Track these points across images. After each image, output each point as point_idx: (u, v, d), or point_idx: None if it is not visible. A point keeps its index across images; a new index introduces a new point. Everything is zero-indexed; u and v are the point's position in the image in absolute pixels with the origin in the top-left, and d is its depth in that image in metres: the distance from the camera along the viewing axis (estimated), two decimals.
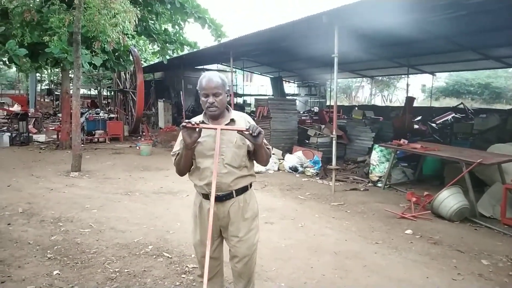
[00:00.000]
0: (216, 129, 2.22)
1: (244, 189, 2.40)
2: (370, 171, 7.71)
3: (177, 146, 2.40)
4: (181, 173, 2.43)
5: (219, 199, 2.31)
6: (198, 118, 2.40)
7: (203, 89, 2.30)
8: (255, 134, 2.16)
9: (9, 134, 11.78)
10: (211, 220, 2.13)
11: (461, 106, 14.93)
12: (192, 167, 2.41)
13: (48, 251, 3.95)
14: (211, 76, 2.32)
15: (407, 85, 16.00)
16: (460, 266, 3.86)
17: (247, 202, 2.42)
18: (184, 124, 2.19)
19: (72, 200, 5.88)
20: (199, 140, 2.26)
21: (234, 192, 2.35)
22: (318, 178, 8.09)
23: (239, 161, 2.35)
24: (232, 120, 2.38)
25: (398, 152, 7.31)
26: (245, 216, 2.41)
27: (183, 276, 3.49)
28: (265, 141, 2.32)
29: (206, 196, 2.34)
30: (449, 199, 5.33)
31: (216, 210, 2.31)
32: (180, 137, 2.35)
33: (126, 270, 3.57)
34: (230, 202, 2.36)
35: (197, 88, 2.39)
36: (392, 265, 3.86)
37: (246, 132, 2.17)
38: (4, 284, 3.26)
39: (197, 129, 2.19)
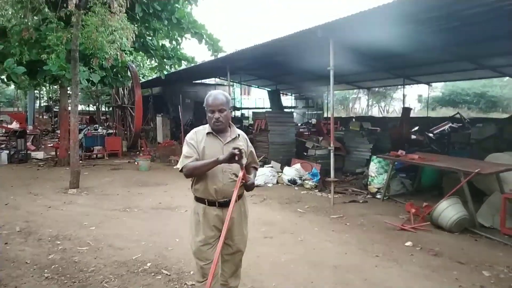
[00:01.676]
0: (242, 169, 2.46)
1: (242, 194, 2.73)
2: (368, 182, 7.70)
3: (189, 152, 2.62)
4: (192, 176, 2.63)
5: (226, 204, 2.57)
6: (205, 129, 2.68)
7: (210, 106, 2.61)
8: (250, 188, 2.64)
9: (7, 151, 11.76)
10: (227, 221, 2.35)
11: (458, 115, 14.99)
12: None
13: (46, 271, 3.91)
14: (217, 94, 2.63)
15: (404, 95, 16.16)
16: (462, 278, 3.83)
17: (244, 204, 2.78)
18: (237, 152, 2.38)
19: (70, 218, 5.84)
20: (205, 149, 2.60)
21: (237, 197, 2.58)
22: (317, 190, 8.07)
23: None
24: (238, 136, 2.71)
25: (396, 163, 7.31)
26: (245, 216, 2.77)
27: None
28: (255, 161, 2.89)
29: (212, 203, 2.60)
30: (448, 209, 5.32)
31: (221, 214, 2.59)
32: (188, 146, 2.63)
33: None
34: (234, 207, 2.56)
35: (204, 105, 2.68)
36: (392, 278, 3.83)
37: (245, 181, 2.56)
38: None
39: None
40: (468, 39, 8.69)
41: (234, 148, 2.37)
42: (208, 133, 2.64)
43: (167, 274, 3.86)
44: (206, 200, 2.61)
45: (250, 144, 2.84)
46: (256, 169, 2.92)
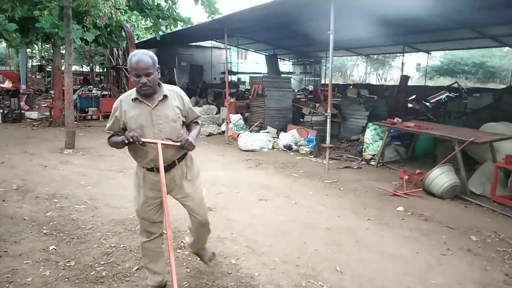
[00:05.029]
0: (156, 143, 2.40)
1: (184, 156, 2.62)
2: (363, 149, 7.76)
3: (109, 127, 2.58)
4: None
5: (165, 169, 2.47)
6: (131, 95, 2.48)
7: (134, 69, 2.37)
8: (188, 148, 2.47)
9: (1, 111, 11.63)
10: (164, 189, 2.42)
11: (455, 85, 14.91)
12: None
13: (44, 227, 3.98)
14: (141, 56, 2.38)
15: (402, 63, 15.96)
16: (450, 242, 3.95)
17: (188, 166, 2.68)
18: (126, 141, 2.36)
19: (66, 177, 5.88)
20: (132, 117, 2.44)
21: (176, 161, 2.57)
22: (312, 156, 8.14)
23: (176, 134, 2.53)
24: (165, 96, 2.49)
25: (391, 130, 7.35)
26: (188, 177, 2.66)
27: (178, 251, 3.54)
28: (198, 122, 2.72)
29: (151, 169, 2.54)
30: (441, 177, 5.40)
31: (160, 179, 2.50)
32: (112, 113, 2.53)
33: (122, 245, 3.62)
34: (174, 170, 2.58)
35: (127, 67, 2.46)
36: (383, 241, 3.94)
37: (180, 144, 2.44)
38: (1, 259, 3.29)
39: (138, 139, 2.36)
40: (470, 6, 8.51)
41: (126, 137, 2.35)
42: (134, 99, 2.45)
43: (163, 232, 3.93)
44: (145, 167, 2.55)
45: (187, 100, 2.63)
46: (197, 123, 2.72)
